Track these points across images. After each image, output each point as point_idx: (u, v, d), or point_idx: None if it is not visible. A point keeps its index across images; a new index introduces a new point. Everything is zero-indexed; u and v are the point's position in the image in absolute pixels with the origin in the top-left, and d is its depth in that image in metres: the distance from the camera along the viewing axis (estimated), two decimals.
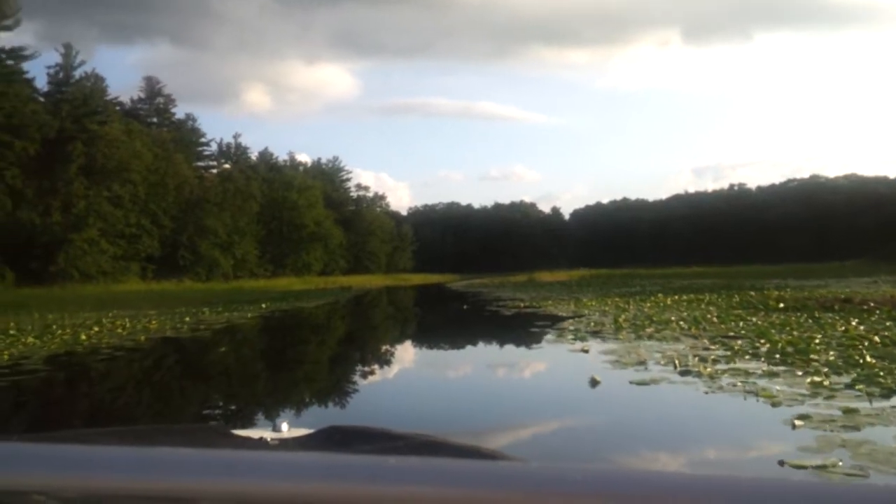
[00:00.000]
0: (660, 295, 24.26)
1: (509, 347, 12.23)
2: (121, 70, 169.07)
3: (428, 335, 17.12)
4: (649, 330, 11.51)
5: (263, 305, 25.91)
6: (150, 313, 21.04)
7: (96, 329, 15.08)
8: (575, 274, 70.93)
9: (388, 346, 13.88)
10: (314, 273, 79.99)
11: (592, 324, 13.37)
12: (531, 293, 33.43)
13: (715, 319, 13.02)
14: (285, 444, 1.68)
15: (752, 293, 22.95)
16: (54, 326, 16.23)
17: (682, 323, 12.57)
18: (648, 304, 19.11)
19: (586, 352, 9.36)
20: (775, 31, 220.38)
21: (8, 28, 47.11)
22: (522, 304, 23.30)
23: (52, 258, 46.94)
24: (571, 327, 12.75)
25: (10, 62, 47.40)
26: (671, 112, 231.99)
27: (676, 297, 22.62)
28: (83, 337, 13.23)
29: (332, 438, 1.62)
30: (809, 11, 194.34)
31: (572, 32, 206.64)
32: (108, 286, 43.49)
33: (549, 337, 11.40)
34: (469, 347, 13.11)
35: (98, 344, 12.29)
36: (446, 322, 20.51)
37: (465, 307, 25.80)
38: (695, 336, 10.52)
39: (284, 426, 1.91)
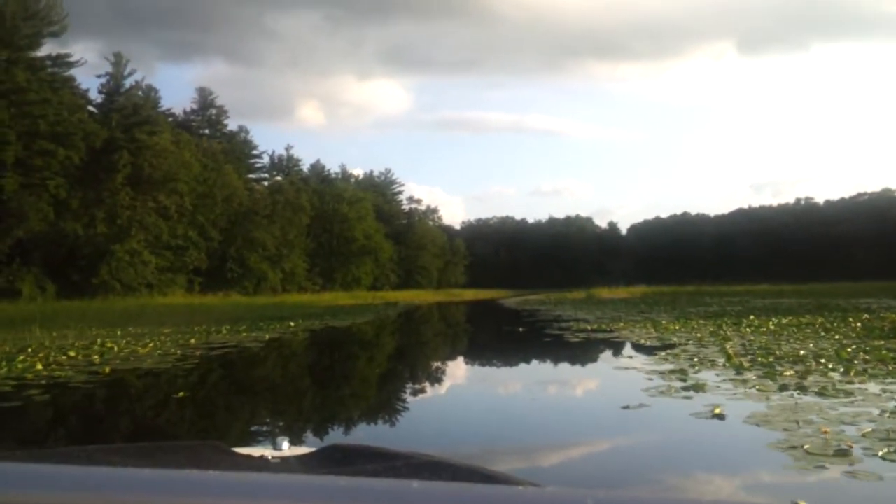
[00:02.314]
0: (751, 317, 20.96)
1: (593, 404, 8.46)
2: (179, 86, 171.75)
3: (476, 367, 13.98)
4: (788, 373, 8.45)
5: (292, 324, 23.41)
6: (163, 332, 18.78)
7: (72, 354, 12.71)
8: (636, 291, 67.23)
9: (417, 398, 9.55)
10: (364, 287, 77.91)
11: (696, 360, 10.34)
12: (595, 312, 30.31)
13: (864, 355, 9.91)
14: (286, 462, 1.65)
15: (866, 315, 19.55)
16: (36, 346, 14.06)
17: (822, 360, 9.50)
18: (748, 330, 15.94)
19: (720, 418, 6.09)
20: (833, 42, 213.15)
21: (55, 35, 46.26)
22: (589, 327, 20.27)
23: (95, 270, 45.64)
24: (670, 366, 9.74)
25: (54, 70, 46.33)
26: (727, 125, 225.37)
27: (773, 320, 19.34)
28: (39, 367, 10.81)
29: (333, 457, 1.60)
30: (867, 20, 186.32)
31: (624, 46, 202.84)
32: (151, 299, 41.83)
33: (645, 384, 8.28)
34: (532, 391, 9.43)
35: (36, 378, 9.77)
36: (498, 350, 17.01)
37: (521, 329, 22.54)
38: (860, 382, 7.52)
39: (285, 445, 1.91)
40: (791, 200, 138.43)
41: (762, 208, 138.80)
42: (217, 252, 59.87)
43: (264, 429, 7.34)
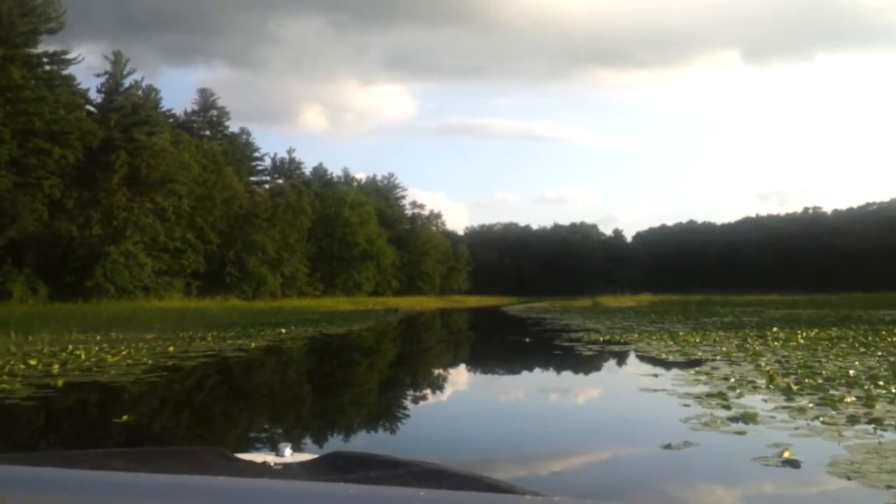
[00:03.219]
0: (773, 329, 19.68)
1: (625, 440, 6.62)
2: (182, 90, 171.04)
3: (480, 386, 11.96)
4: (847, 399, 7.16)
5: (283, 331, 22.12)
6: (146, 337, 17.57)
7: (33, 362, 11.47)
8: (643, 299, 66.01)
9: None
10: (365, 293, 76.65)
11: (732, 380, 9.06)
12: (604, 322, 29.05)
13: None
14: (288, 468, 1.64)
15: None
16: (3, 351, 12.86)
17: (880, 382, 8.23)
18: (776, 344, 14.68)
19: (794, 464, 4.80)
20: (838, 52, 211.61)
21: (52, 31, 45.16)
22: (601, 338, 19.00)
23: (89, 272, 44.46)
24: (705, 388, 8.45)
25: (51, 67, 45.25)
26: (732, 134, 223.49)
27: (799, 332, 18.06)
28: None
29: (335, 464, 1.60)
30: (871, 30, 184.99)
31: (628, 54, 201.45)
32: (146, 302, 40.57)
33: (681, 411, 6.88)
34: (546, 420, 8.04)
35: None
36: (505, 365, 15.16)
37: (527, 340, 21.03)
38: None
39: (287, 451, 1.89)
40: (798, 210, 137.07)
41: (769, 217, 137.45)
42: (216, 255, 58.68)
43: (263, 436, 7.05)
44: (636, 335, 19.27)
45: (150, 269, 48.98)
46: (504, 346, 21.16)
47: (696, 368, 10.59)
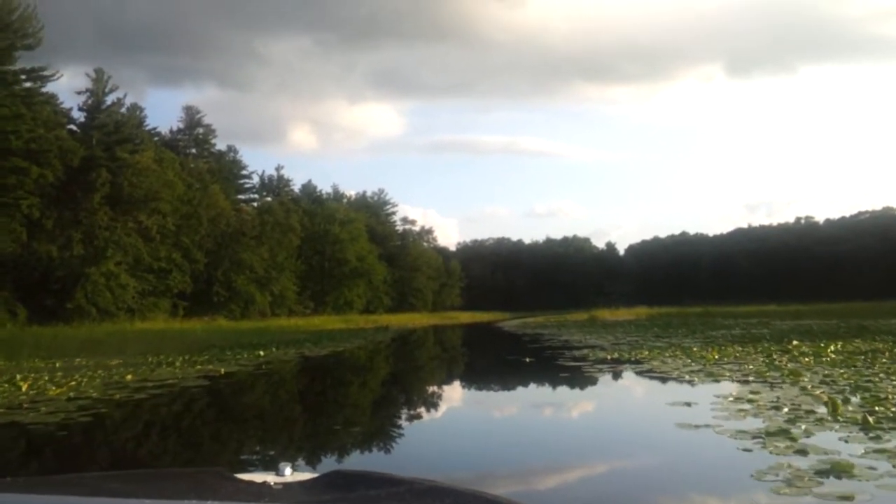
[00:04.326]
0: (794, 342, 18.42)
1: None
2: (170, 110, 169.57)
3: (478, 419, 9.75)
4: None
5: (261, 353, 20.53)
6: (110, 364, 16.10)
7: None
8: (641, 312, 64.78)
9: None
10: (356, 311, 75.12)
11: (785, 409, 7.70)
12: (606, 337, 27.72)
13: None
14: (289, 488, 1.62)
15: None
16: None
17: None
18: (806, 360, 13.40)
19: None
20: (820, 63, 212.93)
21: (29, 48, 43.78)
22: (608, 356, 17.66)
23: (70, 294, 42.89)
24: (757, 422, 7.07)
25: (29, 84, 43.87)
26: (719, 147, 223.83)
27: (822, 345, 16.82)
28: None
29: (336, 483, 1.58)
30: (852, 42, 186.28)
31: (613, 68, 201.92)
32: (128, 325, 38.97)
33: (742, 459, 5.51)
34: (562, 472, 6.20)
35: None
36: (506, 391, 13.37)
37: (527, 360, 18.93)
38: None
39: (288, 470, 1.82)
40: (790, 220, 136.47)
41: (761, 228, 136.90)
42: (203, 275, 57.18)
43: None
44: (646, 352, 17.95)
45: (134, 290, 47.44)
46: (503, 367, 19.37)
47: (733, 394, 9.28)
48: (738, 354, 15.59)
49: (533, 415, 9.99)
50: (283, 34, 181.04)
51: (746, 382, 10.37)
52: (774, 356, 14.49)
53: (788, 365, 12.50)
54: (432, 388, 14.48)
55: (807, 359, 13.51)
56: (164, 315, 50.37)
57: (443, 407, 10.92)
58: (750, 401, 8.46)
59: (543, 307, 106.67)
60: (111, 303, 44.13)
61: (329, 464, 6.38)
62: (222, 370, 15.16)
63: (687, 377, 11.82)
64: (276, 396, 13.43)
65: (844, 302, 63.63)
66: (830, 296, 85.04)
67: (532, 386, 13.90)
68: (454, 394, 13.56)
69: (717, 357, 15.10)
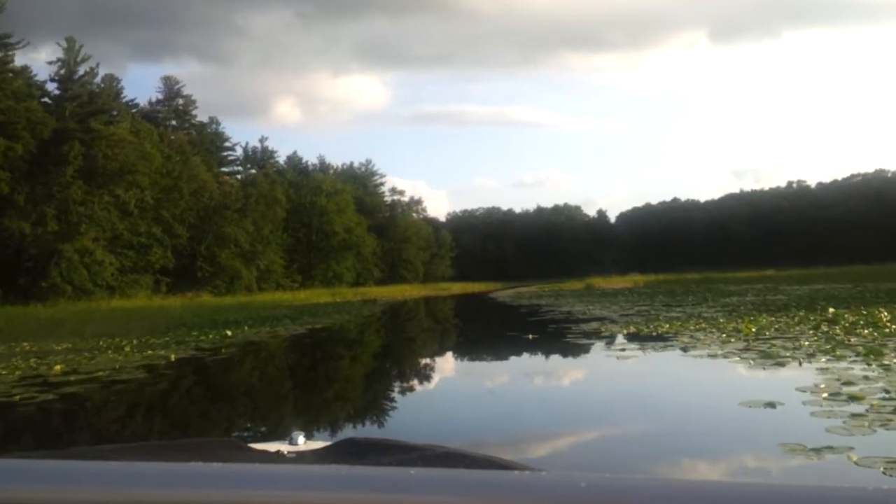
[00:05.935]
0: (831, 309, 16.71)
1: None
2: (151, 86, 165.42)
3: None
4: None
5: (229, 333, 18.43)
6: (55, 348, 14.28)
7: None
8: (638, 280, 63.39)
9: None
10: (346, 284, 73.32)
11: None
12: (610, 307, 26.03)
13: None
14: (302, 457, 1.64)
15: None
16: None
17: None
18: (867, 332, 11.67)
19: None
20: (803, 29, 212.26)
21: None
22: (624, 329, 15.90)
23: (44, 272, 40.82)
24: None
25: None
26: (705, 113, 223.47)
27: (865, 313, 15.16)
28: None
29: (349, 451, 1.59)
30: (835, 7, 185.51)
31: (597, 37, 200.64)
32: (104, 303, 36.97)
33: None
34: None
35: None
36: (515, 398, 9.01)
37: (530, 336, 16.51)
38: None
39: (301, 439, 1.88)
40: (782, 184, 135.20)
41: (753, 192, 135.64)
42: (186, 250, 55.13)
43: None
44: (666, 325, 16.17)
45: (113, 267, 45.41)
46: (502, 346, 16.39)
47: (819, 385, 7.25)
48: (778, 326, 13.88)
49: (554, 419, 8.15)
50: (264, 7, 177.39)
51: (820, 366, 8.58)
52: (824, 327, 12.79)
53: (851, 339, 10.77)
54: (432, 388, 12.63)
55: (866, 330, 11.81)
56: (147, 292, 48.39)
57: (443, 407, 9.13)
58: (853, 397, 6.60)
59: (535, 276, 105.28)
60: (88, 280, 42.14)
61: (347, 430, 6.38)
62: (173, 356, 12.99)
63: (736, 359, 9.96)
64: (218, 398, 10.00)
65: (843, 265, 62.46)
66: (827, 260, 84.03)
67: (546, 381, 11.56)
68: (454, 393, 11.79)
69: (754, 330, 13.37)
